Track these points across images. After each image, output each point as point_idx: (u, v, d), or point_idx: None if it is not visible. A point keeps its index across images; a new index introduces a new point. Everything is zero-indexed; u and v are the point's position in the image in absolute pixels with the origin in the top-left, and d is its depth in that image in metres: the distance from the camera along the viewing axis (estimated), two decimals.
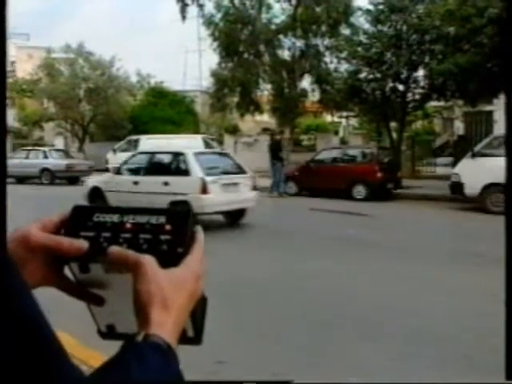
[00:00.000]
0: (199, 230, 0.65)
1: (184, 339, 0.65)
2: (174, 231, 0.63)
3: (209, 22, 24.82)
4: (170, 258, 0.61)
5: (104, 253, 0.61)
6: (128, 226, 0.64)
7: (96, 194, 10.87)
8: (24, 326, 0.50)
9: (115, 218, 0.65)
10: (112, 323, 0.67)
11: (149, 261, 0.59)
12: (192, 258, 0.62)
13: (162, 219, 0.64)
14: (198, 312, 0.65)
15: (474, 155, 12.39)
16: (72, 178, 21.65)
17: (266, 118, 32.69)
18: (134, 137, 21.17)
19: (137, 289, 0.59)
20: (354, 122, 32.42)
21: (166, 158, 10.64)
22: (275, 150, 16.57)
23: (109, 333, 0.68)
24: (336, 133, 32.87)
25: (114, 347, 0.58)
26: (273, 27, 24.45)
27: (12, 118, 31.52)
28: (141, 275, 0.59)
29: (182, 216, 0.64)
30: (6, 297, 0.49)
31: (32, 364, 0.49)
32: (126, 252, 0.61)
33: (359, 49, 18.08)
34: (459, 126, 28.20)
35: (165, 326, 0.57)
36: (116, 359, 0.54)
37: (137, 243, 0.62)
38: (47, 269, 0.63)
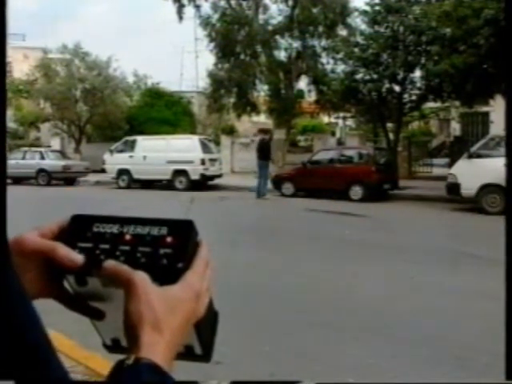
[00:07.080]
0: (203, 242, 0.61)
1: (191, 356, 0.63)
2: (175, 244, 0.59)
3: (205, 22, 24.77)
4: (169, 274, 0.57)
5: (100, 266, 0.58)
6: (127, 237, 0.60)
7: None
8: (17, 335, 0.49)
9: (115, 228, 0.61)
10: (117, 337, 0.64)
11: (141, 279, 0.55)
12: (192, 274, 0.58)
13: (164, 230, 0.60)
14: (206, 328, 0.62)
15: (471, 156, 12.44)
16: (69, 178, 21.66)
17: (262, 119, 32.66)
18: (131, 138, 21.11)
19: (127, 309, 0.55)
20: (350, 122, 32.45)
21: None
22: (264, 151, 16.34)
23: (114, 346, 0.65)
24: (333, 133, 32.88)
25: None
26: (270, 28, 24.40)
27: (8, 118, 31.41)
28: (132, 294, 0.55)
29: (184, 227, 0.60)
30: (4, 303, 0.48)
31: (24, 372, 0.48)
32: (119, 268, 0.57)
33: (356, 50, 18.09)
34: (456, 127, 28.27)
35: (156, 348, 0.53)
36: None
37: (134, 257, 0.59)
38: (45, 280, 0.60)
